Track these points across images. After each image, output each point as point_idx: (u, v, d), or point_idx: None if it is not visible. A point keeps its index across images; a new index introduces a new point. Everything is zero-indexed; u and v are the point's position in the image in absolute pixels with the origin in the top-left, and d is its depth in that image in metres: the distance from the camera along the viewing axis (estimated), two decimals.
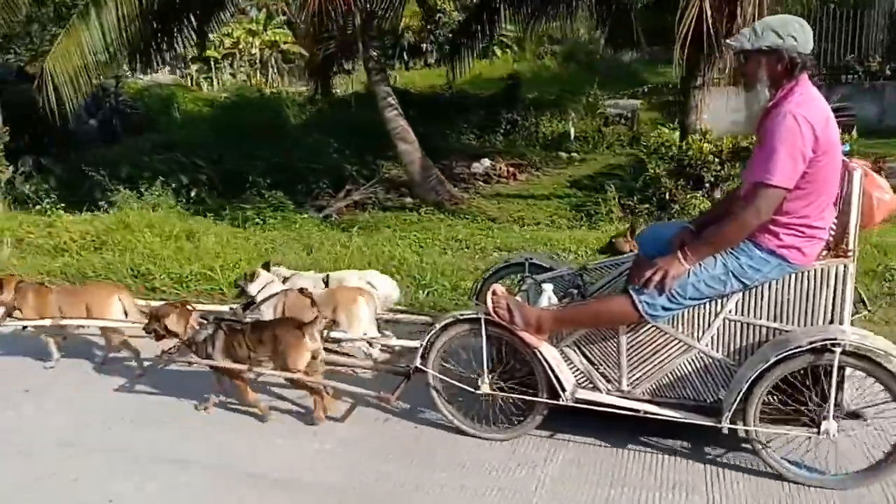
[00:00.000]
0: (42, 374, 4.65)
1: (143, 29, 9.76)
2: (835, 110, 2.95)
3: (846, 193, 2.98)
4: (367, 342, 4.25)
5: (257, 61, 26.68)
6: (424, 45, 20.98)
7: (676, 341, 3.17)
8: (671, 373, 3.22)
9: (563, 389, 3.26)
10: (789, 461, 3.08)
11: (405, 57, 23.10)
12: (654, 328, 3.17)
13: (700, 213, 6.26)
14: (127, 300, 4.61)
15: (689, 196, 8.09)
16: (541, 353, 3.28)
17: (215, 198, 10.69)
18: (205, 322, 3.98)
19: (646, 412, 3.21)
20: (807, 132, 2.73)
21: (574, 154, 13.63)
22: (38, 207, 9.32)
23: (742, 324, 3.07)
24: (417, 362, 3.58)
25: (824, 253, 3.01)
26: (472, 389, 3.49)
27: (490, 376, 3.44)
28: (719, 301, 3.05)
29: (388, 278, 4.97)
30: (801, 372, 2.96)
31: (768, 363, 2.89)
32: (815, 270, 2.96)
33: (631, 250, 4.45)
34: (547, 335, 3.31)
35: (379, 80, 10.57)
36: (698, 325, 3.12)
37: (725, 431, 3.06)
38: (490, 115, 15.23)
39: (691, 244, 3.03)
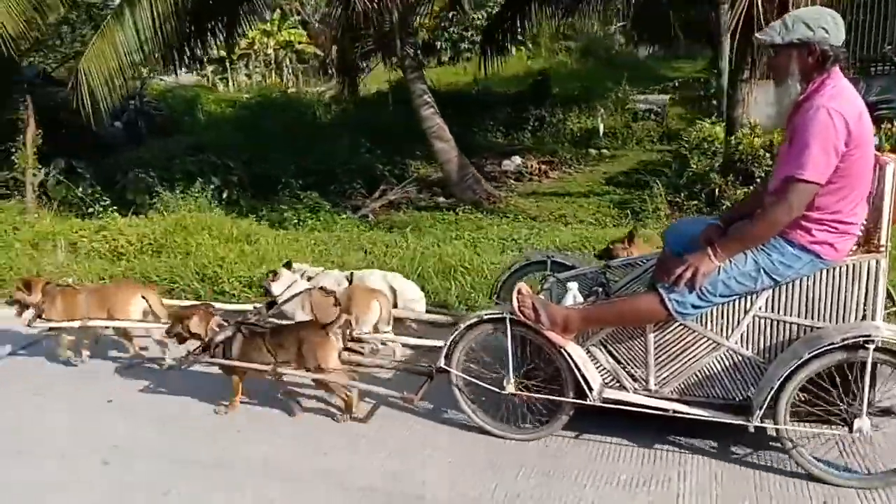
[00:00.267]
0: (122, 383, 4.52)
1: (179, 28, 9.74)
2: (875, 103, 2.90)
3: (878, 188, 2.93)
4: (388, 342, 4.25)
5: (272, 62, 26.77)
6: (438, 43, 20.89)
7: (705, 339, 3.13)
8: (699, 371, 3.18)
9: (591, 389, 3.23)
10: (821, 460, 3.03)
11: (419, 55, 23.01)
12: (682, 326, 3.14)
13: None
14: (153, 299, 4.63)
15: (739, 192, 7.90)
16: (567, 353, 3.25)
17: (248, 199, 10.59)
18: (225, 325, 4.00)
19: (674, 411, 3.18)
20: (840, 126, 2.69)
21: (604, 150, 13.44)
22: (90, 211, 9.27)
23: (772, 321, 3.03)
24: (441, 362, 3.56)
25: (855, 248, 2.97)
26: (498, 389, 3.47)
27: (515, 376, 3.42)
28: (749, 298, 3.01)
29: (411, 283, 4.95)
30: (832, 369, 2.92)
31: (801, 360, 2.85)
32: (846, 266, 2.92)
33: (628, 256, 4.40)
34: (573, 334, 3.28)
35: (415, 77, 10.35)
36: (727, 322, 3.08)
37: (752, 430, 3.02)
38: (517, 112, 15.03)
39: (721, 240, 2.99)
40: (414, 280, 5.52)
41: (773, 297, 3.00)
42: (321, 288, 4.42)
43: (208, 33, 10.91)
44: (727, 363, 3.14)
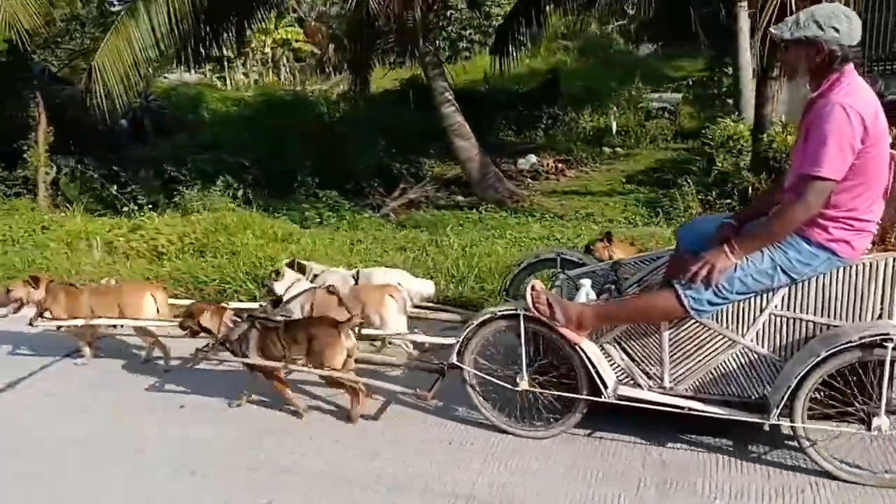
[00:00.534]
0: (193, 389, 4.37)
1: (194, 26, 9.76)
2: (892, 102, 2.89)
3: (894, 186, 2.93)
4: (400, 339, 4.24)
5: (269, 60, 26.76)
6: (437, 42, 20.93)
7: (720, 337, 3.12)
8: (715, 369, 3.17)
9: (605, 386, 3.22)
10: (839, 459, 3.02)
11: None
12: (697, 324, 3.12)
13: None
14: (161, 298, 4.63)
15: None
16: (581, 350, 3.24)
17: (264, 197, 10.43)
18: (238, 320, 3.99)
19: (689, 409, 3.17)
20: (856, 123, 2.68)
21: (618, 149, 13.45)
22: (125, 209, 9.18)
23: (788, 319, 3.02)
24: (454, 359, 3.55)
25: (871, 246, 2.96)
26: (511, 386, 3.46)
27: (528, 372, 3.41)
28: (765, 296, 3.00)
29: (417, 279, 4.92)
30: (849, 368, 2.90)
31: (819, 358, 2.84)
32: (863, 264, 2.91)
33: (610, 257, 4.38)
34: (588, 331, 3.27)
35: (436, 74, 10.31)
36: (743, 320, 3.07)
37: (767, 428, 3.00)
38: (528, 111, 14.98)
39: (738, 238, 2.98)
40: (472, 280, 5.58)
41: (790, 294, 2.99)
42: (327, 287, 4.40)
43: (223, 31, 10.90)
44: (743, 361, 3.12)
